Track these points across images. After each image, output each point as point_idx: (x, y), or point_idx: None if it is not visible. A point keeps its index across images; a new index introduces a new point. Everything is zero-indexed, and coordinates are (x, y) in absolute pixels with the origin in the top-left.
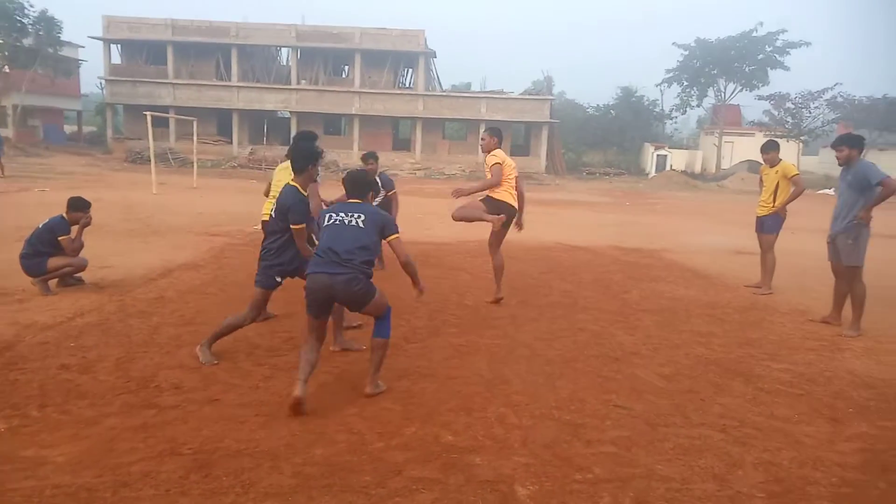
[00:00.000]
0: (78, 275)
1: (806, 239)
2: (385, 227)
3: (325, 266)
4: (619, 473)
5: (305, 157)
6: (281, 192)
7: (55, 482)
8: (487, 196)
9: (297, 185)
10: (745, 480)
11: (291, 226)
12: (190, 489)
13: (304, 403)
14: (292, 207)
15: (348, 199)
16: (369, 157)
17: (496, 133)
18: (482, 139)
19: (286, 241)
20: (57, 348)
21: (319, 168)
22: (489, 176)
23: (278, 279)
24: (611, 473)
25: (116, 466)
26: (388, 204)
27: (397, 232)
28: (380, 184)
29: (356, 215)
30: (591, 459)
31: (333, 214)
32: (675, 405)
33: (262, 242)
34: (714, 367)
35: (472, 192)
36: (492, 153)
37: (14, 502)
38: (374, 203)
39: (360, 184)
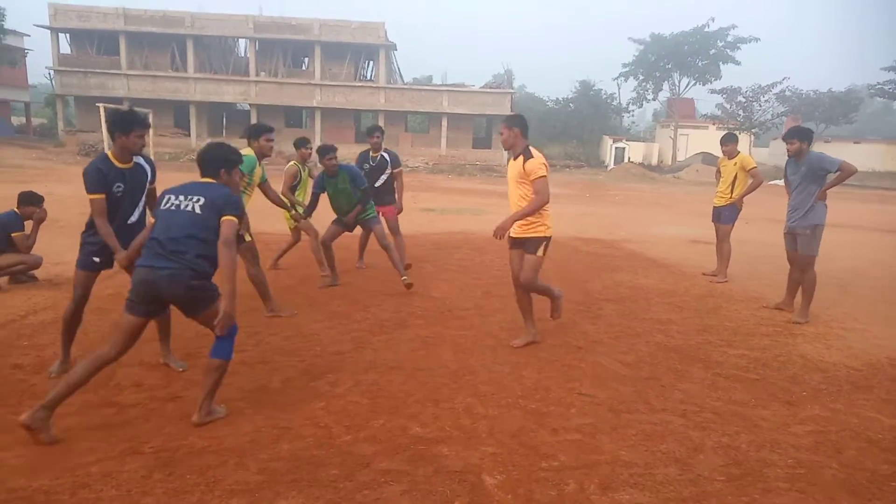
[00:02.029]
0: (31, 272)
1: (760, 228)
2: (224, 207)
3: (150, 258)
4: (584, 460)
5: (211, 162)
6: None
7: (10, 486)
8: (544, 238)
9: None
10: (706, 464)
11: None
12: (153, 488)
13: (42, 432)
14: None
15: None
16: (328, 151)
17: (518, 123)
18: (501, 133)
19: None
20: (9, 347)
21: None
22: (532, 193)
23: (95, 259)
24: (576, 460)
25: (75, 467)
26: (393, 182)
27: (236, 214)
28: (387, 160)
29: (195, 198)
30: (556, 447)
31: (172, 197)
32: (637, 392)
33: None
34: (674, 353)
35: (516, 222)
36: (534, 157)
37: None
38: (380, 182)
39: (210, 160)
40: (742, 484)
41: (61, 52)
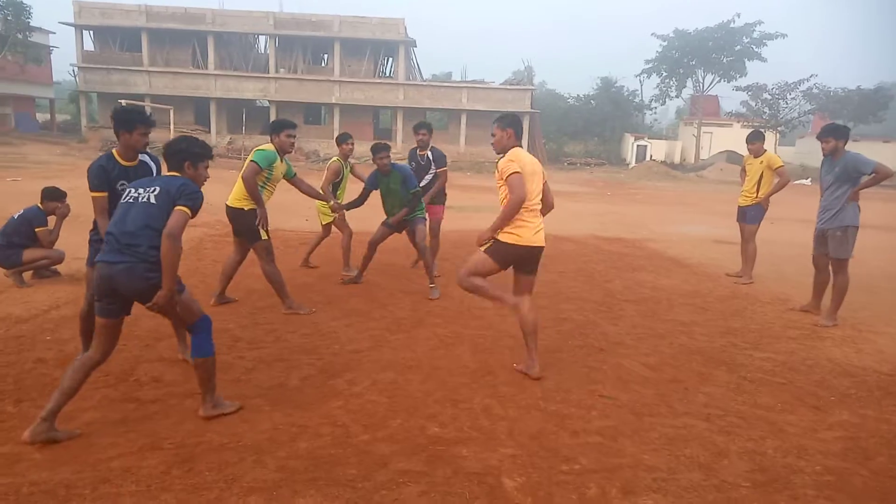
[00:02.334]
0: (54, 266)
1: (786, 228)
2: (179, 196)
3: (106, 253)
4: (605, 464)
5: (176, 155)
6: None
7: (32, 479)
8: (494, 239)
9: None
10: (731, 469)
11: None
12: (172, 484)
13: (51, 439)
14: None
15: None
16: (382, 150)
17: (511, 123)
18: (492, 134)
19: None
20: (32, 342)
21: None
22: (504, 193)
23: None
24: (597, 464)
25: (96, 462)
26: (436, 182)
27: (189, 205)
28: (430, 159)
29: (152, 189)
30: (577, 450)
31: (131, 190)
32: (659, 395)
33: None
34: (697, 356)
35: (498, 229)
36: (508, 154)
37: None
38: (423, 183)
39: (174, 153)
40: (768, 490)
41: (85, 48)
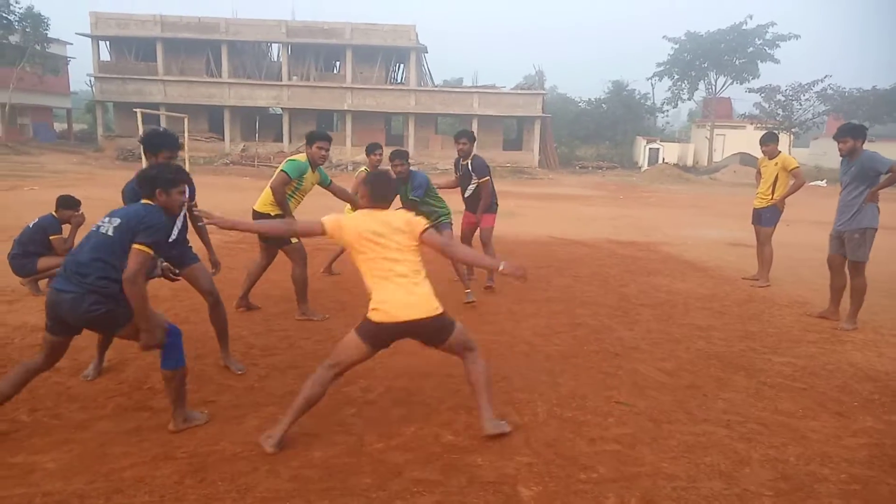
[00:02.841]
0: None
1: (802, 230)
2: (138, 231)
3: (57, 280)
4: (624, 472)
5: (147, 182)
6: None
7: (46, 489)
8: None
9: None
10: (753, 478)
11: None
12: (185, 494)
13: None
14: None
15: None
16: (396, 157)
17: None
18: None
19: None
20: None
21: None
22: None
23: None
24: (615, 472)
25: (109, 472)
26: (479, 194)
27: (147, 242)
28: (470, 169)
29: (114, 220)
30: (594, 458)
31: (103, 219)
32: (677, 401)
33: None
34: (715, 361)
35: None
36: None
37: None
38: (468, 192)
39: (145, 181)
40: (792, 500)
41: (101, 59)
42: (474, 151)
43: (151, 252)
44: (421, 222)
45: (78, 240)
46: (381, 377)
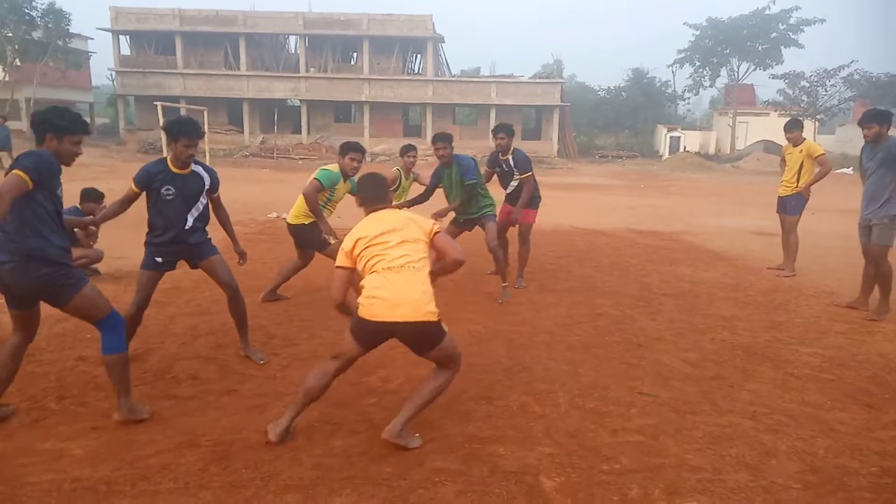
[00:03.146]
0: (93, 266)
1: (828, 219)
2: (17, 165)
3: None
4: (647, 463)
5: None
6: None
7: (74, 475)
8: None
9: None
10: (780, 470)
11: None
12: (210, 482)
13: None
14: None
15: None
16: (438, 140)
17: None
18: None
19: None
20: (73, 340)
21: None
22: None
23: (157, 259)
24: (639, 463)
25: (135, 459)
26: (521, 190)
27: (22, 167)
28: (512, 164)
29: None
30: (617, 449)
31: None
32: (702, 392)
33: None
34: (741, 351)
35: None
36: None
37: (33, 496)
38: (510, 188)
39: (35, 125)
40: (821, 493)
41: (122, 53)
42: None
43: (25, 177)
44: (433, 224)
45: (101, 231)
46: (401, 367)
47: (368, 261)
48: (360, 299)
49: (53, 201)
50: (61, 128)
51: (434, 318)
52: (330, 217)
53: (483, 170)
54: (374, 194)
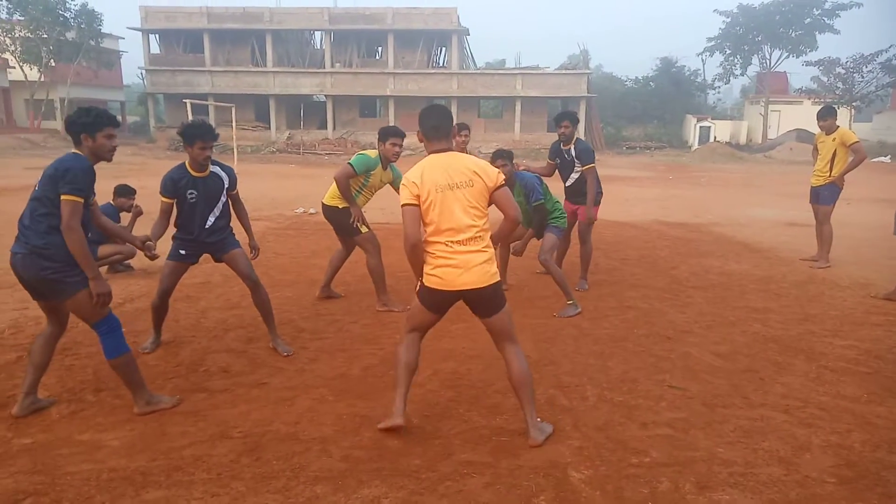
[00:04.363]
0: (127, 261)
1: (863, 209)
2: (60, 183)
3: (15, 242)
4: (677, 457)
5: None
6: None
7: (111, 465)
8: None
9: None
10: (814, 464)
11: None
12: (241, 473)
13: (35, 412)
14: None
15: None
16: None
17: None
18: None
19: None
20: None
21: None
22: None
23: (182, 252)
24: (669, 457)
25: (169, 450)
26: (584, 182)
27: (69, 190)
28: (574, 155)
29: (41, 177)
30: (646, 442)
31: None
32: (733, 385)
33: None
34: (773, 344)
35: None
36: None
37: (73, 485)
38: (570, 181)
39: (69, 125)
40: (857, 488)
41: (151, 52)
42: (576, 135)
43: (79, 199)
44: (498, 173)
45: (136, 230)
46: (429, 360)
47: (434, 217)
48: (426, 269)
49: (85, 206)
50: (89, 125)
51: (497, 279)
52: (366, 204)
53: (545, 163)
54: (439, 124)
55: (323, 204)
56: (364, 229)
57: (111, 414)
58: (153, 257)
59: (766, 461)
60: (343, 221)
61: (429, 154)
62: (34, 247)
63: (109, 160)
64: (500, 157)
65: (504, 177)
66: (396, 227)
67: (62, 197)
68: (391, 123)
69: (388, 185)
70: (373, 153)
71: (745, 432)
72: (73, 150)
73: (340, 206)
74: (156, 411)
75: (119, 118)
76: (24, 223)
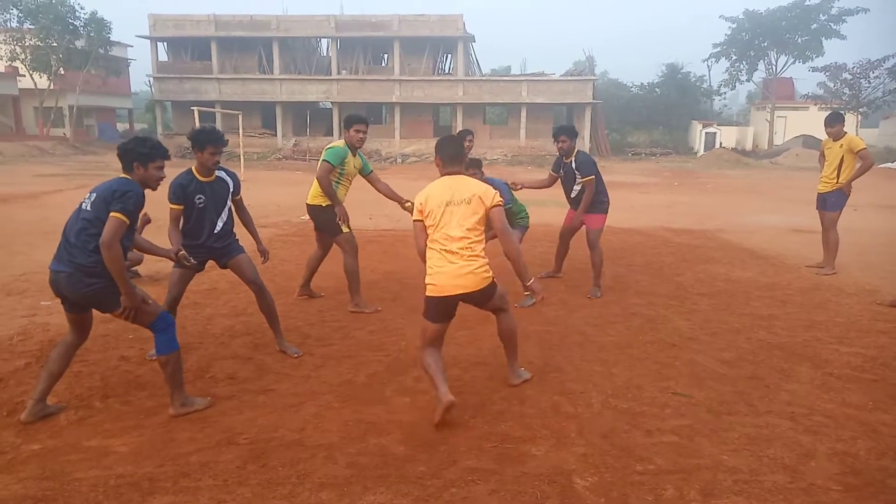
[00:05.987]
0: (134, 268)
1: (870, 216)
2: (112, 202)
3: (54, 260)
4: (682, 464)
5: (125, 156)
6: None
7: (119, 472)
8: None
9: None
10: (820, 472)
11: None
12: (247, 479)
13: (43, 418)
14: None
15: None
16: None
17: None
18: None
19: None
20: (116, 340)
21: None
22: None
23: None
24: (673, 464)
25: (176, 456)
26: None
27: (122, 210)
28: (574, 167)
29: (91, 195)
30: (651, 449)
31: (85, 198)
32: (738, 392)
33: None
34: (778, 351)
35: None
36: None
37: (81, 491)
38: (574, 192)
39: (123, 154)
40: (863, 495)
41: (159, 59)
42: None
43: (126, 220)
44: (496, 194)
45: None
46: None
47: (432, 228)
48: (426, 280)
49: (130, 228)
50: (145, 155)
51: (491, 281)
52: (346, 195)
53: (547, 174)
54: (456, 154)
55: (307, 204)
56: (345, 229)
57: (119, 420)
58: (192, 266)
59: (772, 469)
60: (327, 220)
61: (441, 175)
62: (80, 265)
63: (155, 189)
64: (472, 166)
65: (500, 199)
66: (402, 234)
67: (112, 214)
68: (397, 130)
69: (358, 174)
70: (340, 143)
71: (751, 439)
72: (124, 175)
73: (324, 205)
74: (191, 413)
75: (127, 126)
76: (68, 240)
